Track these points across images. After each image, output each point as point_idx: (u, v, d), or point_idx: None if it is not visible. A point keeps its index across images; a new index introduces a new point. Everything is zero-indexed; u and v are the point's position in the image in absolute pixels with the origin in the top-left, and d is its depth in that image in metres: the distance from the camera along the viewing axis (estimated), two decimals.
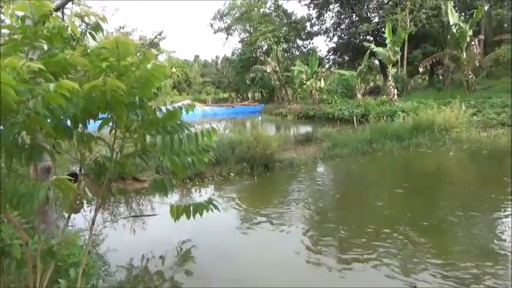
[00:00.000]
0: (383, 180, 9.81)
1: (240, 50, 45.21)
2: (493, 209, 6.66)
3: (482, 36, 25.39)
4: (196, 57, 76.28)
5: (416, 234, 5.56)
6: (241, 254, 5.21)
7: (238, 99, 48.14)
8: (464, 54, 22.42)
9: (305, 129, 16.66)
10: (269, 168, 9.92)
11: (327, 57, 42.15)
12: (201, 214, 2.93)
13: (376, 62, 33.26)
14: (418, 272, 4.46)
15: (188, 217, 2.90)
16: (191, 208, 2.92)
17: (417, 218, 6.23)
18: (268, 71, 31.77)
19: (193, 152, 2.76)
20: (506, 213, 6.43)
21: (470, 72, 22.59)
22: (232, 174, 9.47)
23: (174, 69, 46.96)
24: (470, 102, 18.39)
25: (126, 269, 4.72)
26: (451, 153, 11.83)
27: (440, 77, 27.93)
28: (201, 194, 8.27)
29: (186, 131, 2.66)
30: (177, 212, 2.90)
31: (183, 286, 4.35)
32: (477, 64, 22.55)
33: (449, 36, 24.14)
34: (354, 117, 18.75)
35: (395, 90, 22.38)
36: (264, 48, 40.43)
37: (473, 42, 22.27)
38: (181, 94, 58.75)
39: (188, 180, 8.90)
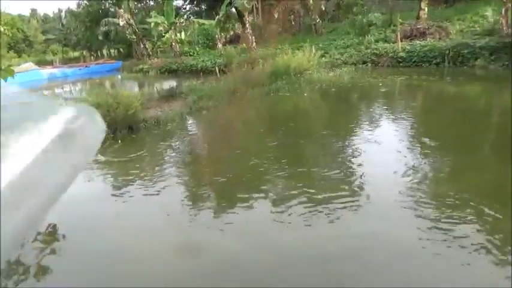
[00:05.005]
0: (251, 125, 10.22)
1: (85, 2, 40.20)
2: (347, 133, 7.85)
3: None
4: (34, 11, 65.51)
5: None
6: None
7: (92, 58, 43.64)
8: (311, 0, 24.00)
9: (169, 84, 16.12)
10: (133, 130, 9.38)
11: (184, 6, 40.65)
12: None
13: (234, 10, 33.33)
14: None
15: None
16: None
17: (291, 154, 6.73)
18: (121, 24, 29.06)
19: None
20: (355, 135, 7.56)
21: (317, 17, 24.42)
22: None
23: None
24: (319, 45, 20.02)
25: None
26: (305, 94, 12.87)
27: (293, 23, 29.62)
28: None
29: None
30: None
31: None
32: (323, 9, 24.48)
33: None
34: (217, 68, 18.80)
35: (253, 37, 22.96)
36: None
37: None
38: (20, 56, 50.60)
39: None
